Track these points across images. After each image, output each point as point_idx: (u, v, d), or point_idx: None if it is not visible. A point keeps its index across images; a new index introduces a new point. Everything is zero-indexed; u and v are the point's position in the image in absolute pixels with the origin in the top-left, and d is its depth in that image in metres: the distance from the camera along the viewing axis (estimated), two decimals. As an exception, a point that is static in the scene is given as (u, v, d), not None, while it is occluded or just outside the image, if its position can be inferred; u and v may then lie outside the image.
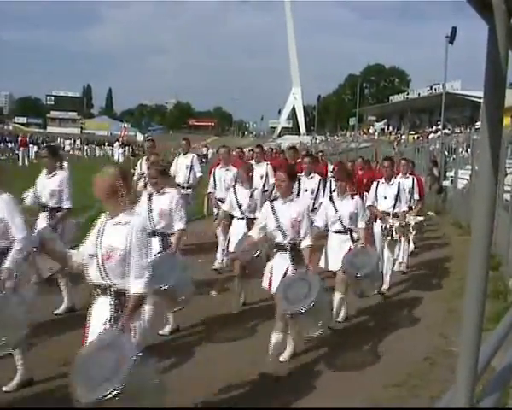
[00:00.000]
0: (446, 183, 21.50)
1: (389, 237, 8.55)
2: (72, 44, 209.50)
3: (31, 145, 38.22)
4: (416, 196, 10.28)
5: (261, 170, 10.11)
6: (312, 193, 9.05)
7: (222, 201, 8.62)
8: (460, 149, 24.16)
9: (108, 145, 54.37)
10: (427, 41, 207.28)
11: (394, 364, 5.77)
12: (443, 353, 5.95)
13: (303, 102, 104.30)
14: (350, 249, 6.63)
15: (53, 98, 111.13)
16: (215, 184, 9.46)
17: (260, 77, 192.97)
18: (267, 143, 70.45)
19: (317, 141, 73.64)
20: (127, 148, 49.19)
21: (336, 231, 6.80)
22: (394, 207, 8.56)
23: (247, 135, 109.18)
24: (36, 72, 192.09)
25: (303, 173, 9.10)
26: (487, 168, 1.65)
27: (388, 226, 8.48)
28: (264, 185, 9.95)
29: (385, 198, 8.60)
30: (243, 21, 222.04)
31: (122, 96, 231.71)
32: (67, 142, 55.71)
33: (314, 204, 8.77)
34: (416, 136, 55.95)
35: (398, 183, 8.70)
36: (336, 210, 6.75)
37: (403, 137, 56.83)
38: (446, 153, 25.90)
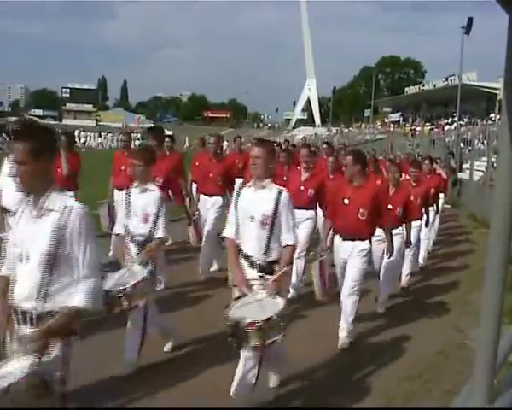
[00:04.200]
0: (462, 175, 21.35)
1: None
2: (87, 37, 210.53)
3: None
4: (289, 239, 4.14)
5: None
6: None
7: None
8: (476, 141, 23.95)
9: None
10: (443, 32, 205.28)
11: (408, 357, 5.74)
12: (457, 346, 5.92)
13: (318, 93, 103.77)
14: None
15: (68, 91, 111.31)
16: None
17: (275, 69, 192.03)
18: (282, 134, 70.30)
19: (332, 133, 73.25)
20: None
21: None
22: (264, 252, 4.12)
23: (262, 127, 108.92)
24: (51, 64, 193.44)
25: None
26: (507, 159, 1.63)
27: None
28: None
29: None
30: (259, 15, 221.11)
31: (137, 89, 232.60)
32: (82, 134, 56.07)
33: None
34: (431, 127, 55.45)
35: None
36: None
37: (418, 128, 56.32)
38: (462, 145, 25.72)
